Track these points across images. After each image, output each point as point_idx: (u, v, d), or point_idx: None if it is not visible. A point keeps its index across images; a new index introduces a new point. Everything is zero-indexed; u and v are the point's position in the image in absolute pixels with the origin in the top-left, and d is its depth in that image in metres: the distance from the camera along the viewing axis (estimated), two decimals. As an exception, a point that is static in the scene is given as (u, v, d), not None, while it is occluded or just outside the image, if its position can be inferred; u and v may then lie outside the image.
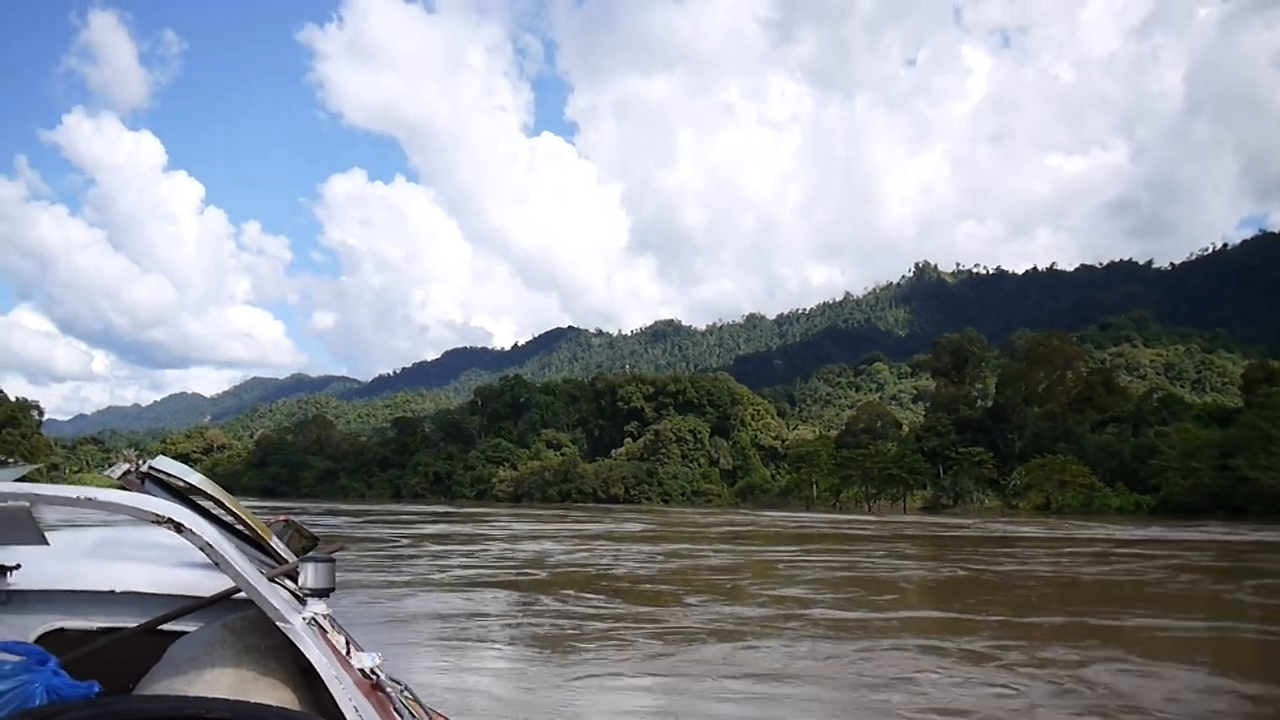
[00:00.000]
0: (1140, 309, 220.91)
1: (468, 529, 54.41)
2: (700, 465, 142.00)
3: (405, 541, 41.12)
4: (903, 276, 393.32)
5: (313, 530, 3.08)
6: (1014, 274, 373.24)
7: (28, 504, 2.21)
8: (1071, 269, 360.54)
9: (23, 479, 2.83)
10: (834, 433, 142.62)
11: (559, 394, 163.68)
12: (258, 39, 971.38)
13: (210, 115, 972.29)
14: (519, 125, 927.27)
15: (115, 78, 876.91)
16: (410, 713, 2.59)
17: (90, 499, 2.23)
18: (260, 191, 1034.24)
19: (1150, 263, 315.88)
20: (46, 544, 2.55)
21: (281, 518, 3.31)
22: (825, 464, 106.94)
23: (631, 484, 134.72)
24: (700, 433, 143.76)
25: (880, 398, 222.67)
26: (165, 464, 2.81)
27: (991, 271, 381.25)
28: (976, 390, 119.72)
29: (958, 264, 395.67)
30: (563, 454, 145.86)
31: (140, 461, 2.83)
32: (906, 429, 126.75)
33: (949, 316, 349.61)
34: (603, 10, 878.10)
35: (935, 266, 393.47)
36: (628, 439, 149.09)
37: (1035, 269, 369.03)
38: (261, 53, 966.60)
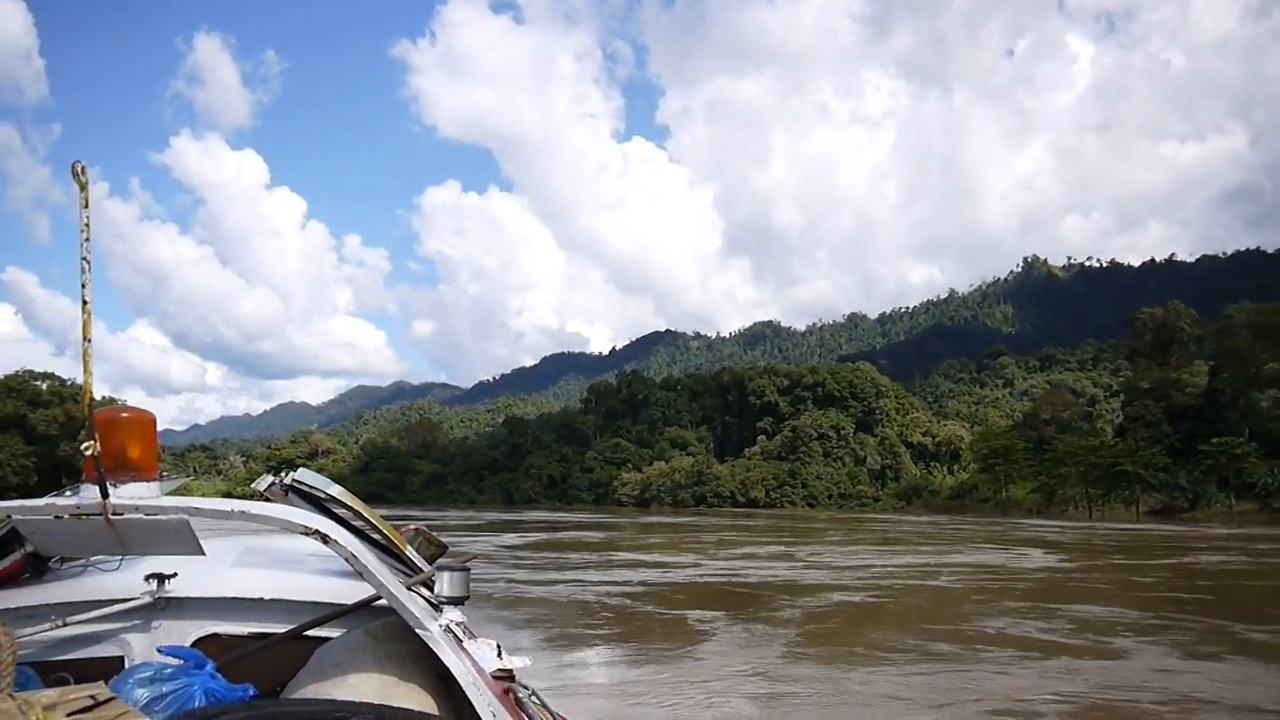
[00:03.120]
0: None
1: (644, 546, 36.33)
2: (845, 464, 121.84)
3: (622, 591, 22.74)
4: (1010, 272, 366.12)
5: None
6: (1130, 267, 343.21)
7: (187, 518, 2.27)
8: (1192, 260, 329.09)
9: (176, 491, 2.77)
10: (978, 429, 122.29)
11: (680, 390, 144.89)
12: (353, 56, 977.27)
13: (309, 132, 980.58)
14: (610, 131, 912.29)
15: (220, 99, 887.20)
16: (549, 716, 2.53)
17: (244, 512, 2.27)
18: (359, 205, 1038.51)
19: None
20: (204, 554, 2.55)
21: (412, 526, 3.31)
22: (1021, 461, 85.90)
23: (772, 486, 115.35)
24: (844, 429, 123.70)
25: (1010, 394, 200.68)
26: (306, 476, 2.79)
27: (1105, 265, 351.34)
28: (1187, 372, 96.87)
29: (1069, 258, 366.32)
30: (689, 454, 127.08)
31: (283, 475, 2.77)
32: (1100, 420, 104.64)
33: (1060, 312, 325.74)
34: (693, 12, 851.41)
35: (1044, 261, 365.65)
36: (761, 437, 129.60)
37: (1153, 260, 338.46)
38: (357, 69, 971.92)
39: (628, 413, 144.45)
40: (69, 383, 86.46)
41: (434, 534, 3.36)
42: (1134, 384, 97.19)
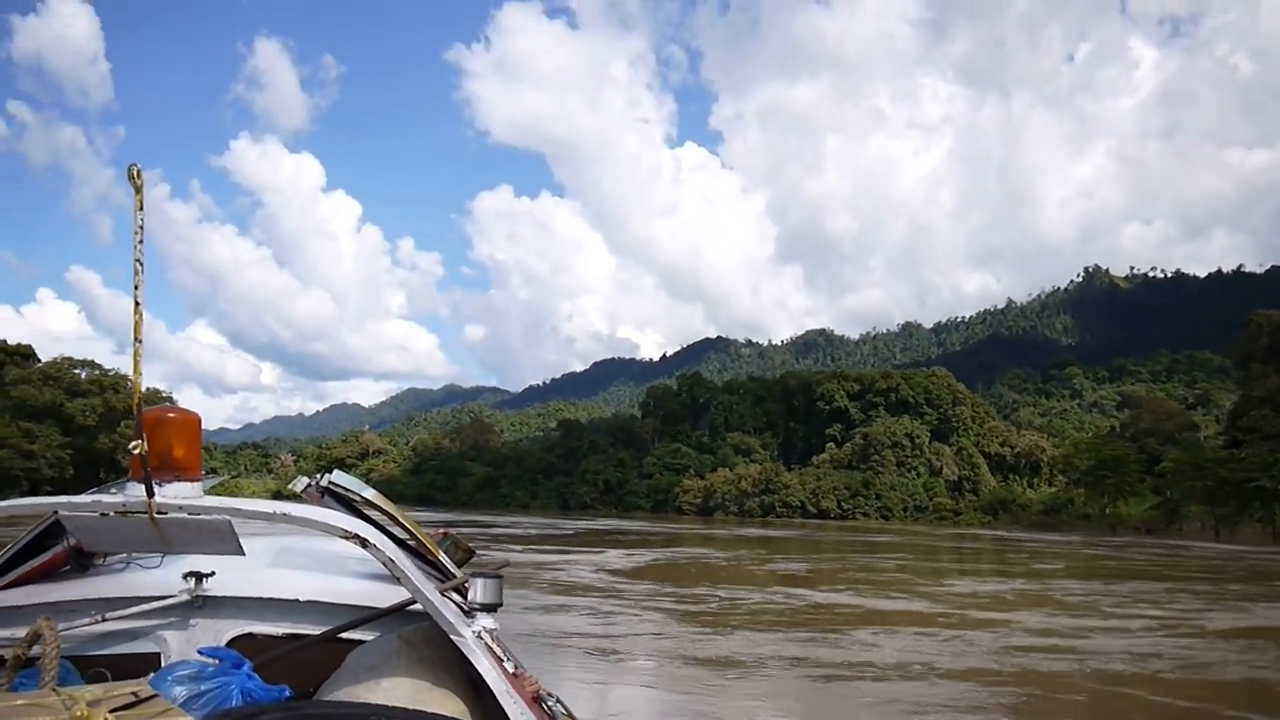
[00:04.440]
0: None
1: (828, 579, 28.72)
2: (920, 475, 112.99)
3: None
4: (1070, 281, 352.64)
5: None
6: (1195, 277, 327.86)
7: (229, 518, 2.27)
8: (1261, 270, 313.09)
9: (217, 490, 2.89)
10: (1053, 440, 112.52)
11: (743, 394, 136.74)
12: (408, 61, 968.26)
13: (365, 136, 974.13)
14: (662, 137, 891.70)
15: (278, 103, 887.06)
16: None
17: (286, 515, 2.28)
18: (413, 209, 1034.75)
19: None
20: (244, 554, 2.54)
21: (441, 530, 3.30)
22: (1134, 474, 76.72)
23: (844, 496, 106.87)
24: (919, 437, 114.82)
25: (1079, 405, 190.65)
26: (342, 479, 2.83)
27: (1170, 275, 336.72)
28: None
29: (1131, 267, 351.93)
30: (753, 460, 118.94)
31: (319, 477, 2.82)
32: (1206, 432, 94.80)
33: (1122, 323, 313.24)
34: (748, 17, 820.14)
35: (1106, 270, 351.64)
36: (830, 444, 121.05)
37: (1220, 271, 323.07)
38: (412, 74, 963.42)
39: (687, 417, 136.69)
40: (111, 372, 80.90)
41: (462, 538, 3.29)
42: (1249, 392, 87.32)
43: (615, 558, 32.12)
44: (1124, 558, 42.38)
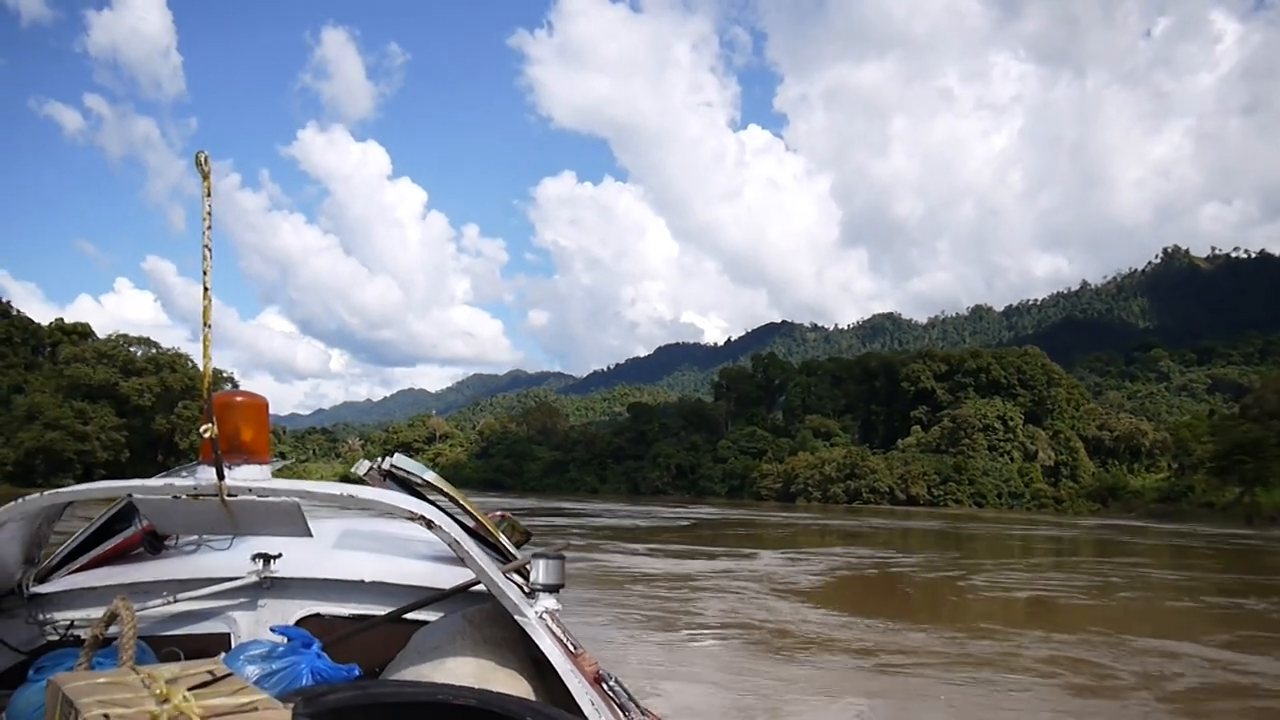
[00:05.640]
0: None
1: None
2: (1014, 460, 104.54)
3: None
4: (1149, 263, 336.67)
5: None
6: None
7: (298, 500, 2.28)
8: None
9: (283, 471, 2.99)
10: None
11: (821, 375, 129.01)
12: (472, 47, 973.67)
13: (430, 123, 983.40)
14: (726, 120, 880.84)
15: (345, 92, 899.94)
16: (636, 708, 2.51)
17: (353, 496, 2.30)
18: (477, 195, 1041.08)
19: None
20: (311, 536, 2.54)
21: (499, 513, 3.25)
22: (1275, 458, 67.99)
23: (935, 482, 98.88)
24: (1012, 420, 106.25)
25: (1166, 388, 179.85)
26: (403, 462, 2.81)
27: (1254, 255, 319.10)
28: None
29: (1213, 248, 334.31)
30: (833, 444, 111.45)
31: (380, 460, 2.81)
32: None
33: (1204, 305, 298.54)
34: None
35: (1186, 251, 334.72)
36: (915, 427, 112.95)
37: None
38: (476, 60, 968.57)
39: (762, 399, 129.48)
40: (170, 351, 76.49)
41: (518, 520, 3.26)
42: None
43: (775, 564, 24.82)
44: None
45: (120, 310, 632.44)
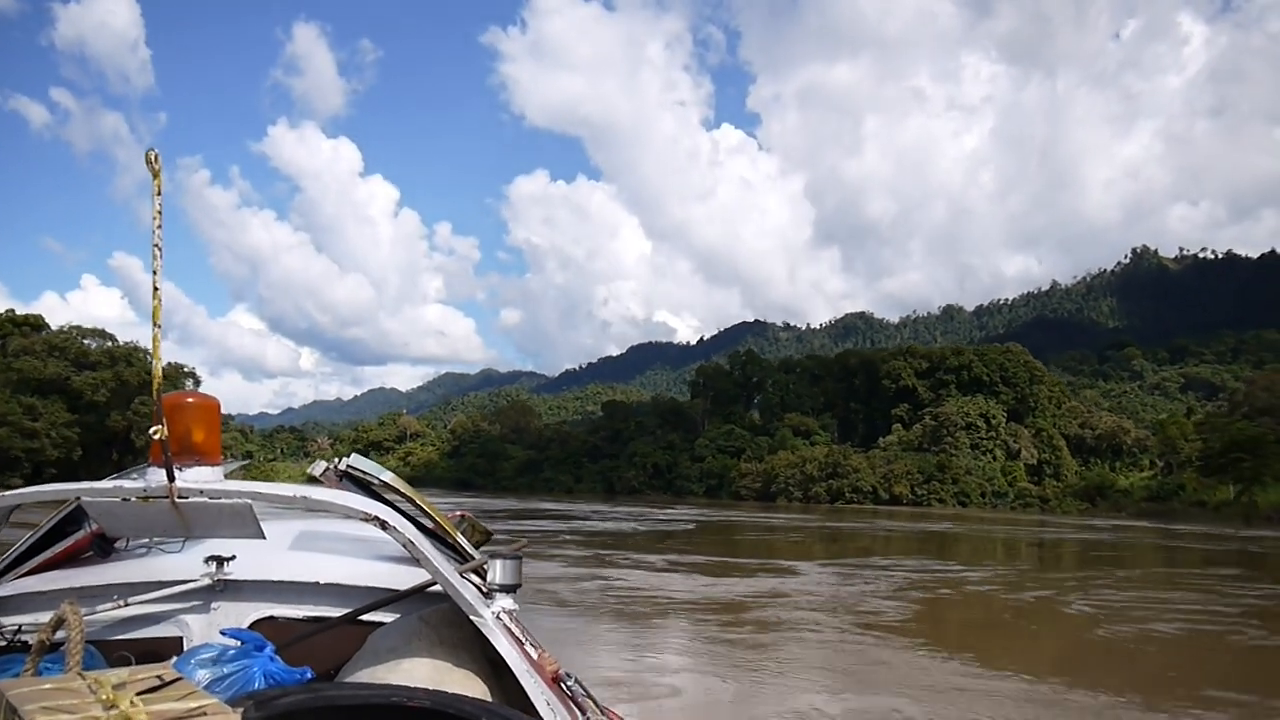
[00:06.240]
0: None
1: None
2: (997, 459, 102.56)
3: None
4: (1118, 263, 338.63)
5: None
6: (1248, 259, 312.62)
7: (250, 502, 2.25)
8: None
9: (249, 471, 2.96)
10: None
11: (800, 372, 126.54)
12: (445, 44, 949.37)
13: (402, 120, 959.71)
14: (699, 119, 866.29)
15: (316, 88, 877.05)
16: (595, 707, 2.50)
17: (306, 498, 2.28)
18: (450, 193, 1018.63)
19: None
20: (264, 538, 2.51)
21: (458, 513, 3.21)
22: (1274, 456, 66.04)
23: (918, 481, 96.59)
24: (995, 418, 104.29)
25: (1140, 387, 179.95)
26: (360, 462, 2.79)
27: (1221, 256, 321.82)
28: None
29: (1180, 249, 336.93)
30: (813, 443, 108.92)
31: (336, 461, 2.78)
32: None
33: (1172, 305, 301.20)
34: None
35: (1155, 252, 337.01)
36: (896, 425, 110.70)
37: (1274, 251, 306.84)
38: (448, 57, 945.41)
39: (740, 397, 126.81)
40: (127, 344, 72.20)
41: (478, 520, 3.18)
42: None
43: (826, 581, 20.94)
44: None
45: (87, 307, 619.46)
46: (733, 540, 36.55)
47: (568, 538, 32.50)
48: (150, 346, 1.92)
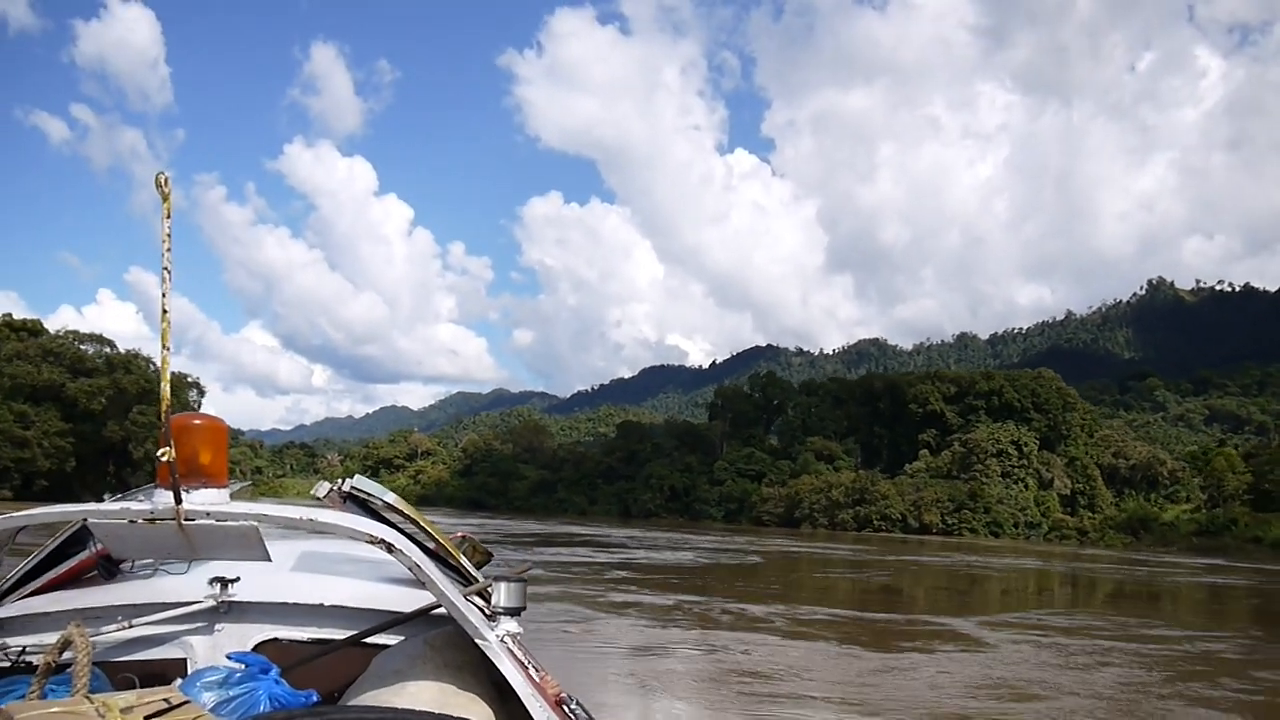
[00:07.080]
0: None
1: None
2: (1029, 487, 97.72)
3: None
4: (1134, 294, 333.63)
5: None
6: (1266, 292, 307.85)
7: (256, 524, 2.25)
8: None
9: (256, 490, 2.81)
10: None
11: (823, 395, 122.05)
12: (461, 66, 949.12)
13: (417, 140, 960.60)
14: (713, 144, 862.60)
15: (333, 107, 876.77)
16: None
17: (312, 520, 2.29)
18: (464, 213, 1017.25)
19: None
20: (270, 560, 2.48)
21: (459, 534, 3.23)
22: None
23: (948, 510, 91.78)
24: (1027, 445, 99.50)
25: (1163, 418, 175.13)
26: (363, 484, 2.85)
27: (1239, 289, 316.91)
28: None
29: (1197, 281, 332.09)
30: (837, 467, 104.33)
31: (340, 482, 2.86)
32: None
33: (1188, 337, 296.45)
34: (802, 23, 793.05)
35: (1171, 283, 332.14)
36: (924, 451, 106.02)
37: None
38: (464, 79, 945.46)
39: (760, 420, 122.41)
40: (127, 351, 68.47)
41: (480, 541, 3.18)
42: None
43: (1012, 649, 15.96)
44: None
45: (102, 321, 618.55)
46: (823, 582, 31.86)
47: (621, 573, 27.96)
48: (159, 365, 1.85)
